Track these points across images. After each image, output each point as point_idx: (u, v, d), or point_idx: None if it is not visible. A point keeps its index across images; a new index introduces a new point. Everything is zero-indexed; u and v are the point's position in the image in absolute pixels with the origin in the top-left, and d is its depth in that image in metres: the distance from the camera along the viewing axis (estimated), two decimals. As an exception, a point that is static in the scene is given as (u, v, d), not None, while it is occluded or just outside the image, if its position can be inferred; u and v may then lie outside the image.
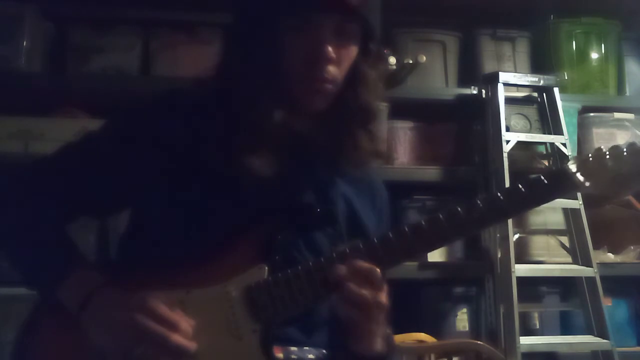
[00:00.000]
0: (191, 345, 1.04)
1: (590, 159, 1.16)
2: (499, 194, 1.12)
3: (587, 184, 1.14)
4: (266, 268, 1.09)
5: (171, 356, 1.03)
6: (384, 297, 1.07)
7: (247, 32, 1.13)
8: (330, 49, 1.10)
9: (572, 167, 1.15)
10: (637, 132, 2.90)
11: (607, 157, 1.16)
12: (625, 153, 1.16)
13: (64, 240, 1.18)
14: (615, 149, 1.17)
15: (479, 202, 1.11)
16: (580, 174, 1.15)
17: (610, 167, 1.15)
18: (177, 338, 1.03)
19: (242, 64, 1.13)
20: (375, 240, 1.10)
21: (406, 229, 1.11)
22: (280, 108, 1.12)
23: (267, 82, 1.11)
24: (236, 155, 1.11)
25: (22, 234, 1.17)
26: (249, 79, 1.12)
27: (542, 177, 1.14)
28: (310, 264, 1.09)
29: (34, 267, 1.16)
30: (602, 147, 1.17)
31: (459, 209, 1.11)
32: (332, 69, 1.12)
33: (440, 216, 1.11)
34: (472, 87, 2.79)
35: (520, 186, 1.13)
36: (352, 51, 1.15)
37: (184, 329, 1.04)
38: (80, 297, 1.08)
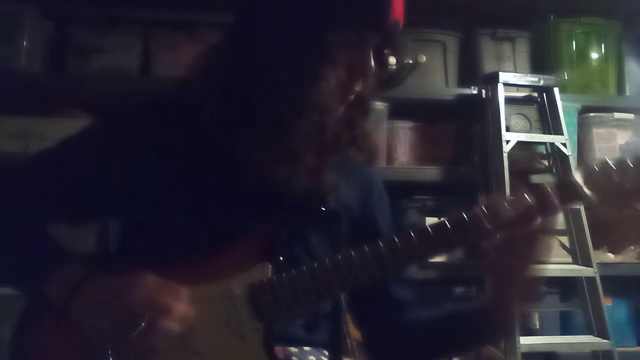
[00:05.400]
0: (180, 328, 1.01)
1: (597, 170, 1.14)
2: (504, 204, 1.12)
3: (594, 197, 1.13)
4: (270, 267, 1.09)
5: (163, 338, 1.00)
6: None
7: (290, 42, 1.07)
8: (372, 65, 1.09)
9: (579, 178, 1.13)
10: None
11: (614, 170, 1.13)
12: (632, 167, 1.13)
13: (45, 238, 1.16)
14: (622, 163, 1.14)
15: (483, 208, 1.11)
16: (587, 187, 1.13)
17: (617, 181, 1.13)
18: (168, 323, 1.00)
19: (276, 73, 1.08)
20: (380, 243, 1.10)
21: (412, 234, 1.10)
22: (304, 115, 1.08)
23: (301, 91, 1.07)
24: (242, 154, 1.10)
25: (1, 234, 1.16)
26: (281, 87, 1.08)
27: (548, 188, 1.13)
28: (315, 264, 1.09)
29: (16, 267, 1.14)
30: (608, 159, 1.15)
31: (465, 215, 1.11)
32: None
33: (446, 223, 1.11)
34: (472, 87, 2.78)
35: (526, 196, 1.12)
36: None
37: (178, 311, 1.02)
38: (67, 291, 1.06)
